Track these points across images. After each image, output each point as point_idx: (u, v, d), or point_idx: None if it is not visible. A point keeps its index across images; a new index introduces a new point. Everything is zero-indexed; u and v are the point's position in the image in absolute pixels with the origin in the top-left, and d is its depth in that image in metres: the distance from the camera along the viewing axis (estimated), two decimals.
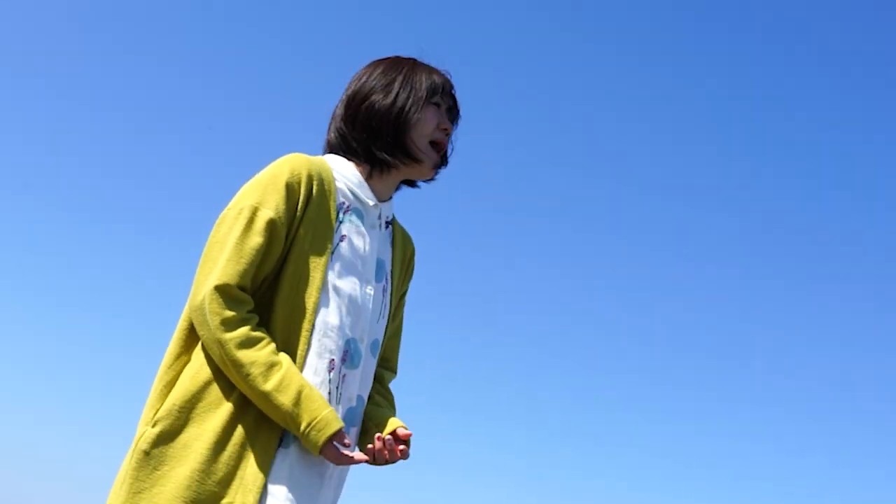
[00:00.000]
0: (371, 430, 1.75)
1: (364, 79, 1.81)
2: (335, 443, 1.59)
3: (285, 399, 1.56)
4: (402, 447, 1.69)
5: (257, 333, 1.59)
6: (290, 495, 1.59)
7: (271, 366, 1.57)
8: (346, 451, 1.60)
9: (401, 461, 1.72)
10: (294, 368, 1.60)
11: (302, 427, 1.57)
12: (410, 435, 1.73)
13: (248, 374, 1.56)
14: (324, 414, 1.58)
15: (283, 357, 1.60)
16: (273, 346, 1.60)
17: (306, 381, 1.60)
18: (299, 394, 1.58)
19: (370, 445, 1.68)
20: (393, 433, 1.72)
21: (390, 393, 1.91)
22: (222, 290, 1.59)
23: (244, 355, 1.56)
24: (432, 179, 1.88)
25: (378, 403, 1.83)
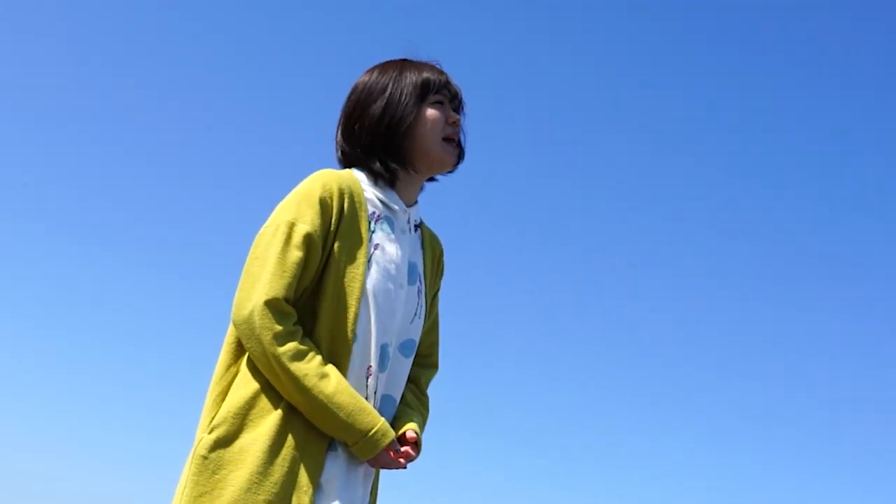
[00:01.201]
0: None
1: (357, 92, 1.85)
2: (379, 458, 1.70)
3: (340, 410, 1.65)
4: (405, 449, 1.75)
5: (305, 346, 1.66)
6: (340, 496, 1.68)
7: (323, 376, 1.65)
8: (395, 459, 1.71)
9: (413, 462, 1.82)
10: (343, 379, 1.67)
11: (359, 436, 1.66)
12: (415, 438, 1.79)
13: (304, 385, 1.63)
14: (380, 424, 1.68)
15: (331, 368, 1.68)
16: (320, 357, 1.67)
17: (355, 392, 1.68)
18: (353, 404, 1.66)
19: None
20: (402, 436, 1.80)
21: (425, 396, 1.97)
22: (270, 305, 1.64)
23: (297, 367, 1.63)
24: (451, 172, 1.92)
25: (408, 404, 1.89)
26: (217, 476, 1.64)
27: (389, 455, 1.70)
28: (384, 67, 1.85)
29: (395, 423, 1.82)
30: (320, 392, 1.63)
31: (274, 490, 1.62)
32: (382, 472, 1.83)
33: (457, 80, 1.89)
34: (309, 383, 1.63)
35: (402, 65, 1.85)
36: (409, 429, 1.80)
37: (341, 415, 1.64)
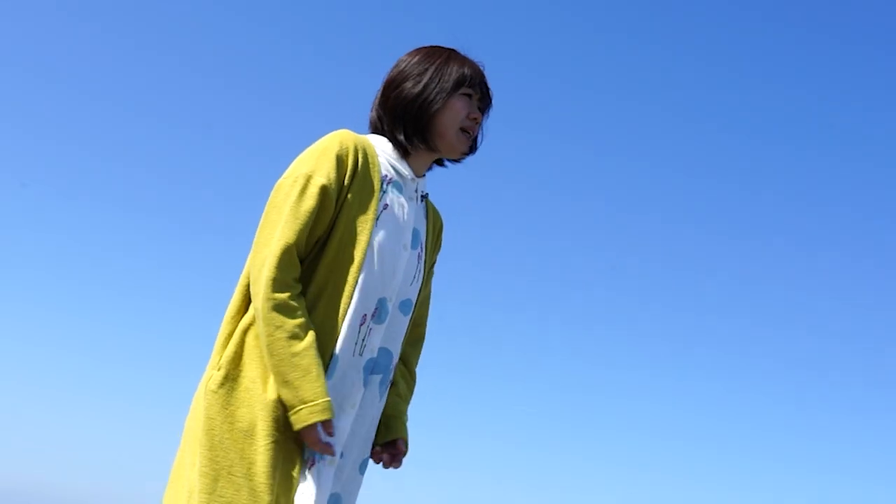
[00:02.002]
0: (381, 432, 1.98)
1: (401, 66, 1.98)
2: (311, 432, 1.74)
3: (293, 370, 1.73)
4: (391, 458, 1.94)
5: (295, 303, 1.75)
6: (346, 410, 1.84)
7: (295, 336, 1.73)
8: (325, 440, 1.75)
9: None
10: (313, 347, 1.75)
11: (298, 401, 1.73)
12: (403, 451, 2.01)
13: (270, 335, 1.73)
14: (322, 401, 1.73)
15: (310, 333, 1.76)
16: (304, 319, 1.76)
17: (318, 363, 1.75)
18: (308, 372, 1.73)
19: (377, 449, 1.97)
20: (393, 445, 2.00)
21: (412, 378, 2.10)
22: (282, 252, 1.76)
23: (275, 318, 1.73)
24: (459, 161, 2.05)
25: (398, 393, 2.04)
26: (227, 410, 1.76)
27: (318, 435, 1.74)
28: (432, 51, 1.99)
29: (385, 415, 1.99)
30: (283, 347, 1.72)
31: (279, 431, 1.76)
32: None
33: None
34: (278, 335, 1.72)
35: (450, 54, 1.99)
36: (402, 438, 2.01)
37: (292, 375, 1.72)
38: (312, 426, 1.73)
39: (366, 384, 1.87)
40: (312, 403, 1.73)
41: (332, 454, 1.77)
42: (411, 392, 2.09)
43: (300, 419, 1.73)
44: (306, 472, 1.77)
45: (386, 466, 2.02)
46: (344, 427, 1.82)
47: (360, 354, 1.85)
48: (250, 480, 1.71)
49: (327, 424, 1.75)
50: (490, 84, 2.02)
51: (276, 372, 1.74)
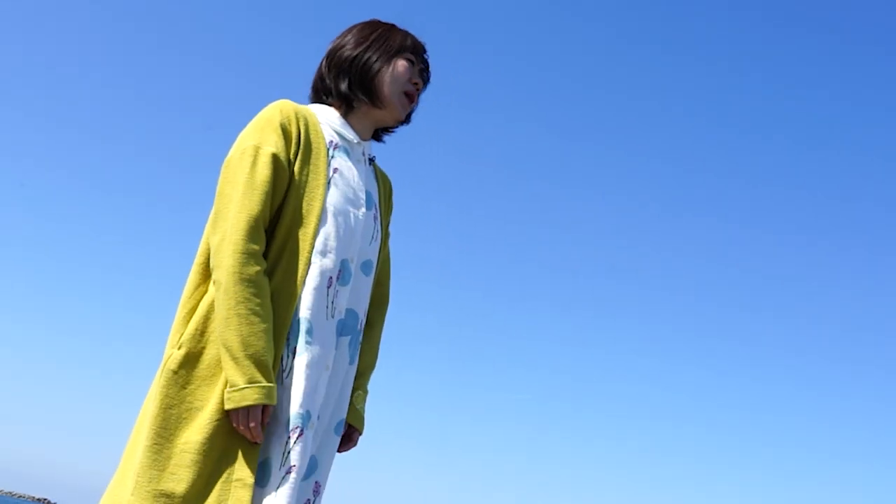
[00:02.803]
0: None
1: (345, 35, 2.03)
2: (252, 413, 1.71)
3: (247, 350, 1.71)
4: (253, 428, 1.76)
5: (262, 281, 1.76)
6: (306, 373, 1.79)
7: (255, 314, 1.72)
8: (255, 428, 1.71)
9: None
10: (271, 331, 1.75)
11: (243, 382, 1.70)
12: (354, 443, 2.04)
13: (230, 309, 1.72)
14: (270, 385, 1.72)
15: (269, 317, 1.76)
16: (268, 301, 1.76)
17: (271, 347, 1.74)
18: (261, 354, 1.71)
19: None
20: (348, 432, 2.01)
21: (375, 345, 2.09)
22: (246, 222, 1.76)
23: (239, 292, 1.72)
24: (395, 128, 2.08)
25: (359, 371, 2.02)
26: (185, 391, 1.74)
27: (255, 417, 1.71)
28: (376, 22, 2.05)
29: (351, 407, 1.99)
30: (242, 324, 1.71)
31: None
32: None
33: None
34: (239, 309, 1.71)
35: (393, 25, 2.06)
36: (355, 432, 2.03)
37: (242, 353, 1.70)
38: (255, 407, 1.70)
39: (337, 346, 1.88)
40: (259, 385, 1.70)
41: (259, 441, 1.73)
42: (372, 366, 2.08)
43: (243, 397, 1.69)
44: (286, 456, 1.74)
45: (338, 451, 1.99)
46: (320, 390, 1.83)
47: (332, 317, 1.86)
48: (185, 454, 1.70)
49: (267, 410, 1.73)
50: (430, 63, 2.07)
51: (227, 346, 1.72)
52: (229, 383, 1.71)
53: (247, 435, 1.72)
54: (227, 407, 1.71)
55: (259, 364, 1.71)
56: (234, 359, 1.70)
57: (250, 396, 1.69)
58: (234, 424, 1.72)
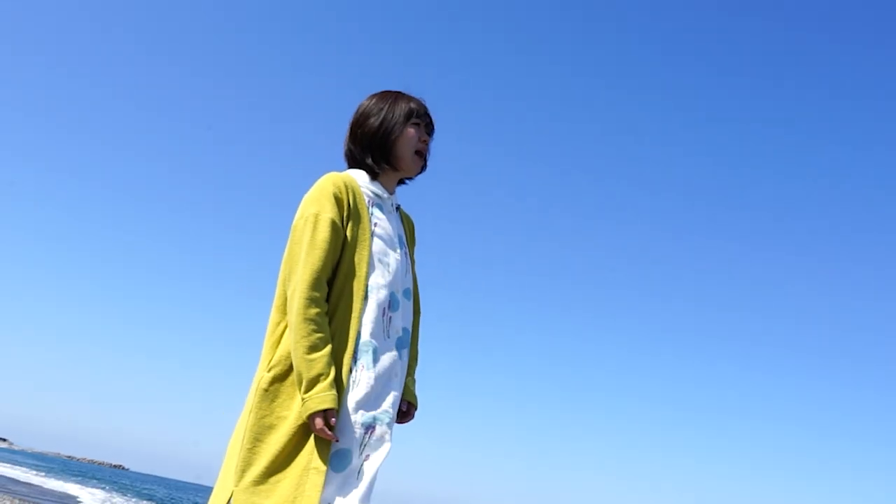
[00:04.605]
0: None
1: (361, 109, 2.50)
2: (321, 416, 2.16)
3: (310, 372, 2.17)
4: (323, 430, 2.20)
5: (322, 321, 2.22)
6: (365, 391, 2.27)
7: (314, 346, 2.19)
8: (325, 429, 2.16)
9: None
10: (328, 354, 2.20)
11: (307, 394, 2.17)
12: (411, 415, 2.52)
13: (297, 342, 2.19)
14: (327, 394, 2.17)
15: (327, 347, 2.21)
16: (325, 335, 2.22)
17: (331, 370, 2.20)
18: (320, 374, 2.18)
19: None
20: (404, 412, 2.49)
21: (416, 345, 2.56)
22: (310, 274, 2.24)
23: (303, 328, 2.20)
24: (414, 178, 2.57)
25: (408, 363, 2.51)
26: (275, 403, 2.23)
27: (322, 421, 2.16)
28: (384, 94, 2.51)
29: (406, 389, 2.49)
30: (305, 352, 2.18)
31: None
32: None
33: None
34: (304, 342, 2.18)
35: (397, 95, 2.51)
36: (409, 403, 2.50)
37: (307, 375, 2.17)
38: (318, 413, 2.15)
39: (401, 357, 2.39)
40: (318, 396, 2.16)
41: (332, 439, 2.17)
42: (416, 360, 2.57)
43: (308, 407, 2.16)
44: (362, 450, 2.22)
45: (399, 422, 2.46)
46: (392, 392, 2.32)
47: (389, 337, 2.36)
48: (276, 453, 2.18)
49: (330, 413, 2.17)
50: (433, 114, 2.55)
51: (297, 370, 2.19)
52: (301, 397, 2.19)
53: (320, 434, 2.17)
54: (303, 416, 2.18)
55: (317, 381, 2.16)
56: (302, 380, 2.18)
57: (313, 406, 2.16)
58: (311, 428, 2.18)
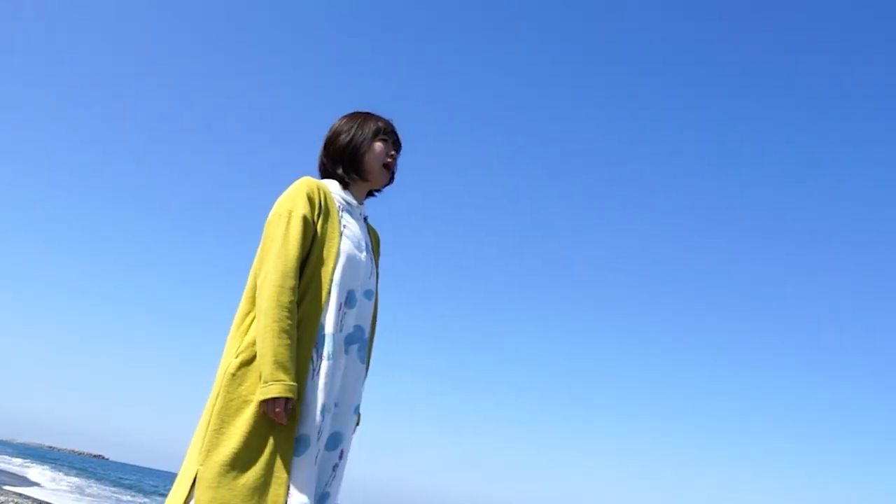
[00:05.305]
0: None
1: (334, 128, 2.73)
2: (282, 404, 2.28)
3: (275, 355, 2.30)
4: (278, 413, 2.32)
5: (293, 309, 2.36)
6: (325, 379, 2.42)
7: (285, 332, 2.32)
8: (280, 413, 2.29)
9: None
10: (294, 341, 2.34)
11: (272, 379, 2.29)
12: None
13: (267, 326, 2.32)
14: (292, 384, 2.30)
15: (295, 336, 2.35)
16: (294, 323, 2.36)
17: (294, 357, 2.33)
18: (288, 360, 2.31)
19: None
20: None
21: (368, 362, 2.70)
22: (283, 264, 2.38)
23: (275, 314, 2.33)
24: (381, 190, 2.78)
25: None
26: (242, 387, 2.35)
27: (281, 405, 2.29)
28: (354, 115, 2.73)
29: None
30: (275, 337, 2.31)
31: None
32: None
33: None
34: (274, 326, 2.31)
35: (367, 115, 2.73)
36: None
37: (274, 360, 2.29)
38: (280, 399, 2.28)
39: (347, 352, 2.53)
40: (284, 384, 2.28)
41: (282, 422, 2.30)
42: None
43: (271, 391, 2.27)
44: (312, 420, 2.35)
45: None
46: (334, 383, 2.46)
47: (341, 331, 2.50)
48: (241, 434, 2.29)
49: (290, 403, 2.30)
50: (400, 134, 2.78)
51: (262, 353, 2.31)
52: (262, 380, 2.29)
53: (276, 419, 2.29)
54: (258, 398, 2.29)
55: (284, 369, 2.29)
56: (266, 363, 2.29)
57: (274, 390, 2.27)
58: (264, 410, 2.29)
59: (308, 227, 2.45)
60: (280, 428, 2.32)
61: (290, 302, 2.35)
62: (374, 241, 2.77)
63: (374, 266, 2.69)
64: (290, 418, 2.34)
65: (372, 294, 2.64)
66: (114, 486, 33.63)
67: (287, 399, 2.29)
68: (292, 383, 2.29)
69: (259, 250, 2.48)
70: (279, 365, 2.29)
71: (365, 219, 2.74)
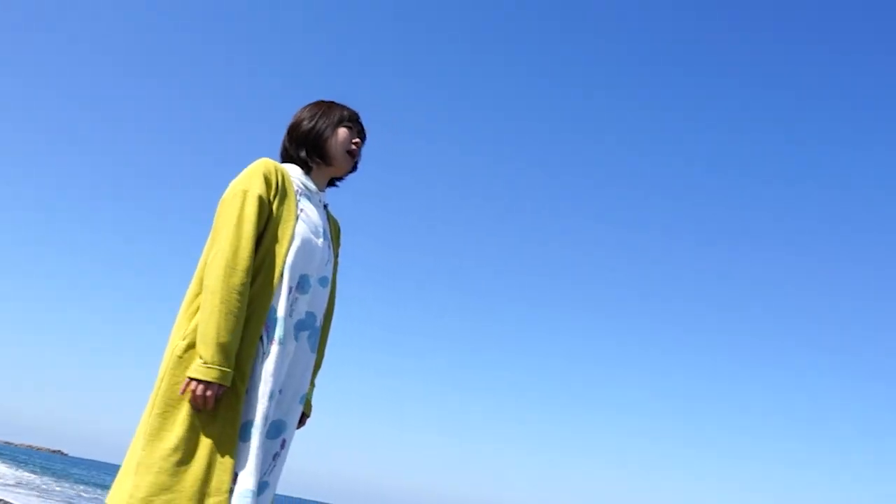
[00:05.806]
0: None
1: (298, 114, 2.66)
2: (210, 387, 2.21)
3: (222, 339, 2.23)
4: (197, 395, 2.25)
5: (245, 291, 2.29)
6: (270, 367, 2.35)
7: (233, 314, 2.25)
8: (210, 398, 2.22)
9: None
10: (240, 327, 2.27)
11: (213, 362, 2.22)
12: (302, 423, 2.67)
13: (215, 306, 2.25)
14: (230, 372, 2.24)
15: (242, 321, 2.28)
16: (244, 306, 2.29)
17: (237, 343, 2.26)
18: (231, 344, 2.24)
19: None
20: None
21: (322, 349, 2.71)
22: (233, 246, 2.30)
23: (225, 294, 2.26)
24: (343, 178, 2.73)
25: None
26: (188, 371, 2.24)
27: (204, 392, 2.21)
28: (318, 103, 2.68)
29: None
30: (222, 319, 2.24)
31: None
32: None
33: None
34: (223, 307, 2.24)
35: (331, 103, 2.68)
36: (304, 416, 2.67)
37: (213, 339, 2.22)
38: (214, 384, 2.21)
39: (297, 338, 2.46)
40: (222, 370, 2.22)
41: (205, 407, 2.23)
42: (319, 365, 2.71)
43: (207, 373, 2.20)
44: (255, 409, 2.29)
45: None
46: (282, 369, 2.39)
47: (291, 316, 2.43)
48: (187, 417, 2.23)
49: (221, 390, 2.23)
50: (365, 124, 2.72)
51: (204, 332, 2.23)
52: (200, 358, 2.22)
53: (197, 401, 2.21)
54: (190, 374, 2.21)
55: (226, 354, 2.23)
56: (208, 343, 2.22)
57: (212, 374, 2.20)
58: (191, 389, 2.21)
59: (263, 207, 2.39)
60: (225, 413, 2.26)
61: (241, 284, 2.28)
62: (333, 230, 2.72)
63: (333, 254, 2.64)
64: (236, 403, 2.27)
65: (328, 282, 2.58)
66: (75, 482, 33.48)
67: (220, 387, 2.23)
68: (230, 371, 2.24)
69: (212, 231, 2.39)
70: (222, 348, 2.23)
71: (325, 206, 2.68)
